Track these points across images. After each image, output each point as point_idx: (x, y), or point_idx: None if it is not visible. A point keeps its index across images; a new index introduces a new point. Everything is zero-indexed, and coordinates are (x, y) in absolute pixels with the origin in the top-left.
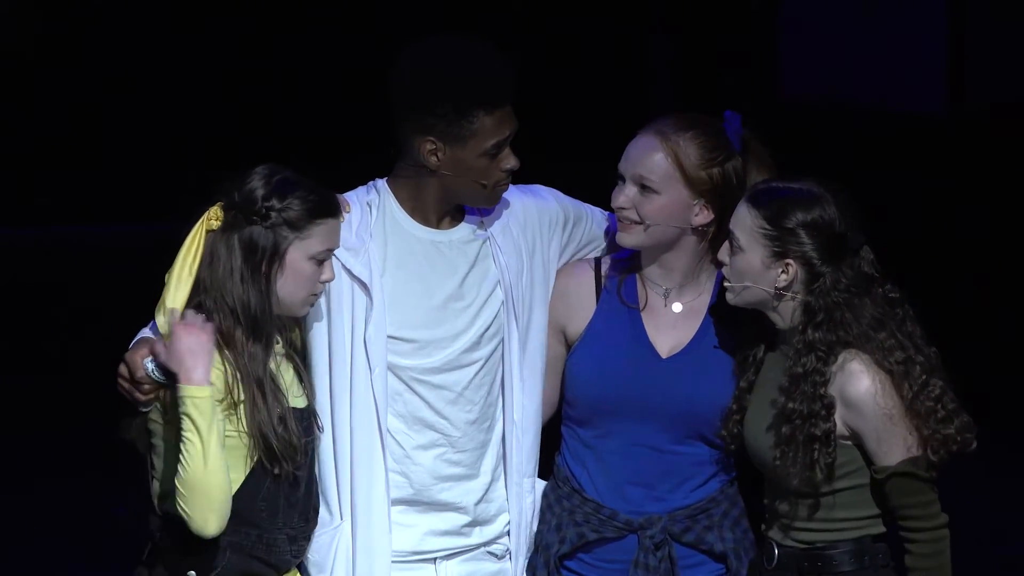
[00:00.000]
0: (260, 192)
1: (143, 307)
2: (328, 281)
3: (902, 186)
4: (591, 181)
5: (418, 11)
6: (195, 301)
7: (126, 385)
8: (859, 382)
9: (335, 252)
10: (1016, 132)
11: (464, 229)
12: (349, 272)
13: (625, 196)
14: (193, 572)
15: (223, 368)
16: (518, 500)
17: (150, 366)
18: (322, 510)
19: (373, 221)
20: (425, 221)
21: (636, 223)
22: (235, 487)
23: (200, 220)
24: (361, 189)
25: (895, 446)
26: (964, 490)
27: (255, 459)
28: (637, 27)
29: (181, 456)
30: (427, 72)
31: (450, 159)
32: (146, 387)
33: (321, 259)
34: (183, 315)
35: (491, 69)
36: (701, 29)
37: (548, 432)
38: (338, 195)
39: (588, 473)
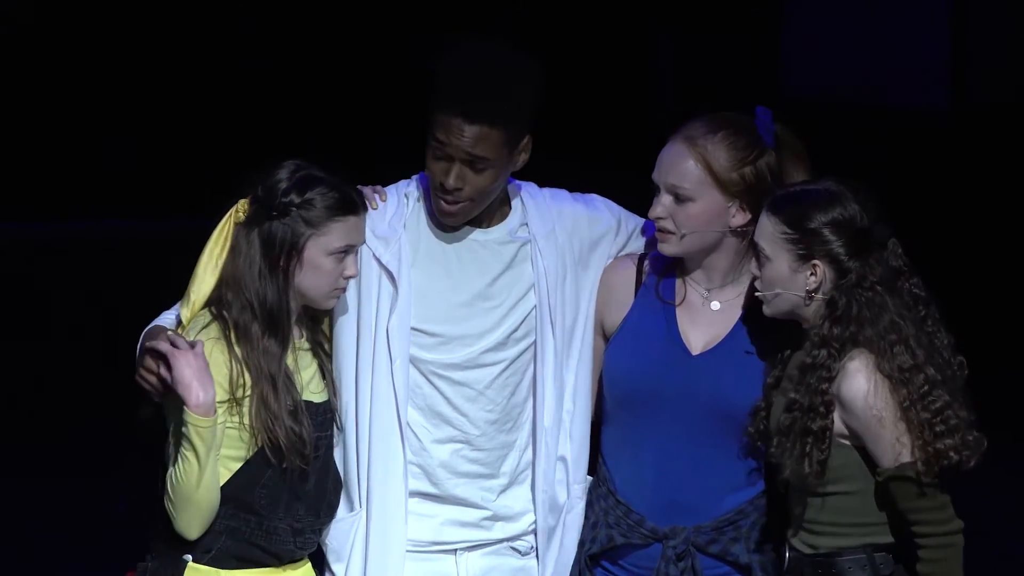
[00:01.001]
0: (282, 187)
1: (146, 306)
2: (351, 277)
3: (905, 183)
4: (594, 180)
5: (419, 10)
6: (216, 294)
7: (152, 379)
8: (853, 381)
9: (367, 241)
10: (1018, 129)
11: (502, 230)
12: (379, 261)
13: (661, 206)
14: (189, 556)
15: (229, 365)
16: (544, 504)
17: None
18: (342, 499)
19: (408, 212)
20: None
21: (673, 232)
22: (231, 472)
23: (228, 213)
24: (404, 181)
25: (885, 450)
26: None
27: (256, 448)
28: (639, 26)
29: (177, 468)
30: (447, 49)
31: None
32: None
33: (341, 255)
34: (180, 332)
35: (469, 79)
36: (703, 27)
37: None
38: (376, 187)
39: (622, 474)
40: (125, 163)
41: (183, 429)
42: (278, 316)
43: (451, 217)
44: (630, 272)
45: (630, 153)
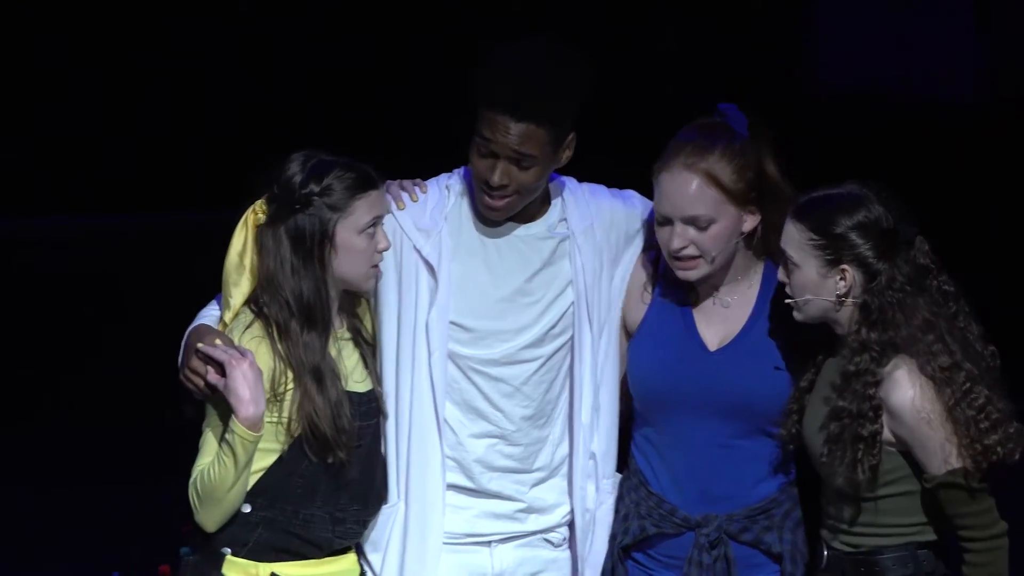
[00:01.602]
0: (298, 179)
1: (155, 307)
2: (385, 249)
3: (928, 176)
4: (596, 178)
5: (420, 8)
6: (253, 294)
7: (199, 381)
8: (901, 391)
9: (407, 233)
10: None
11: (542, 225)
12: (419, 253)
13: (681, 238)
14: (228, 549)
15: (273, 364)
16: (582, 499)
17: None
18: None
19: (450, 206)
20: None
21: (698, 257)
22: (267, 464)
23: (243, 216)
24: (445, 174)
25: (935, 453)
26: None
27: (292, 440)
28: (655, 21)
29: (212, 469)
30: (493, 50)
31: None
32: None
33: (372, 231)
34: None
35: (517, 77)
36: (722, 24)
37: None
38: (416, 180)
39: (652, 467)
40: (126, 162)
41: (226, 435)
42: (316, 309)
43: (496, 212)
44: (648, 270)
45: (637, 150)
